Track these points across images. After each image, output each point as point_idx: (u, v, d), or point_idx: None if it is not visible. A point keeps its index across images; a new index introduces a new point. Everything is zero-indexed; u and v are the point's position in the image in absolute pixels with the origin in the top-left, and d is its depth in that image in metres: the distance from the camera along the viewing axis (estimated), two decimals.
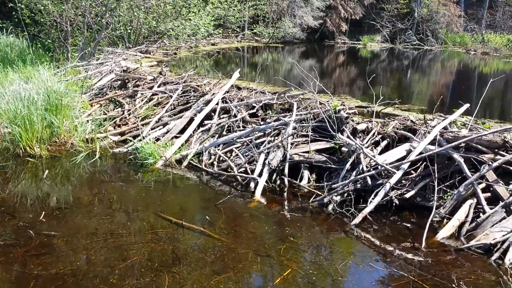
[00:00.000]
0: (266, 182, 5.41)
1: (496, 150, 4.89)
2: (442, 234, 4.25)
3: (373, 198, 4.72)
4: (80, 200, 4.92)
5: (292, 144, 5.78)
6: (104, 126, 7.36)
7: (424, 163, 5.08)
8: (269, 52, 23.57)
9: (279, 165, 5.58)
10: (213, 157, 6.22)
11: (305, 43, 28.70)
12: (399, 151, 5.10)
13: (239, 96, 7.32)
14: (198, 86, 8.28)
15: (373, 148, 5.47)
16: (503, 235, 3.98)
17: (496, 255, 3.86)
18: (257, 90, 7.48)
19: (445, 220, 4.54)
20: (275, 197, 5.24)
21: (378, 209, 4.72)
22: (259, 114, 6.91)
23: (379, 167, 4.91)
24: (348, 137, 5.47)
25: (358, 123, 5.80)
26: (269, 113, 6.91)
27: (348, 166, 5.22)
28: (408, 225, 4.60)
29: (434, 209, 4.45)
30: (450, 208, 4.58)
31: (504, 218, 4.17)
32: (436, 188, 4.60)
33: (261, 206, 4.95)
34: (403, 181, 4.97)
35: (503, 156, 4.73)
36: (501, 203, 4.30)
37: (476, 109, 5.42)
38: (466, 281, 3.59)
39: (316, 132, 5.93)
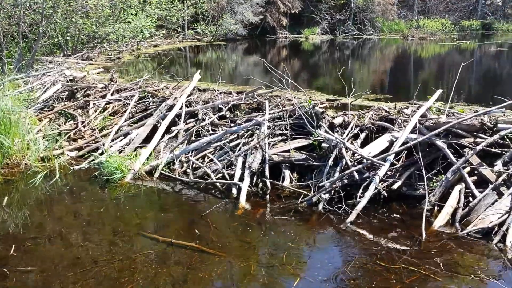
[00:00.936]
0: (248, 186, 5.17)
1: (474, 134, 4.95)
2: (438, 222, 4.22)
3: (362, 193, 4.62)
4: (50, 227, 4.44)
5: (269, 144, 5.58)
6: (58, 141, 6.79)
7: (405, 152, 5.06)
8: (212, 50, 23.23)
9: (259, 167, 5.36)
10: (185, 165, 5.88)
11: (247, 39, 28.56)
12: (381, 142, 5.04)
13: (203, 98, 6.99)
14: (155, 91, 7.86)
15: (353, 141, 5.38)
16: (499, 218, 4.00)
17: (496, 238, 3.87)
18: (220, 91, 7.19)
19: (436, 208, 4.53)
20: (259, 201, 5.01)
21: (367, 203, 4.61)
22: (227, 116, 6.63)
23: (365, 160, 4.81)
24: (326, 132, 5.33)
25: (333, 117, 5.69)
26: (237, 114, 6.65)
27: (330, 162, 5.09)
28: (400, 216, 4.53)
29: (427, 198, 4.41)
30: (439, 195, 4.56)
31: (496, 200, 4.20)
32: (425, 176, 4.57)
33: (248, 212, 4.71)
34: (388, 172, 4.91)
35: (484, 139, 4.79)
36: (491, 186, 4.33)
37: (451, 94, 5.47)
38: (475, 268, 3.56)
39: (292, 130, 5.76)
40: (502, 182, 4.39)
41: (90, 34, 16.35)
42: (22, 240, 4.15)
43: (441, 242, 3.96)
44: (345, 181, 4.85)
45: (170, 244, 4.00)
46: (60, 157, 6.32)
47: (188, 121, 6.72)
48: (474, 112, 5.23)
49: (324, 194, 4.74)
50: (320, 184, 4.89)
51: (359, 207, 4.43)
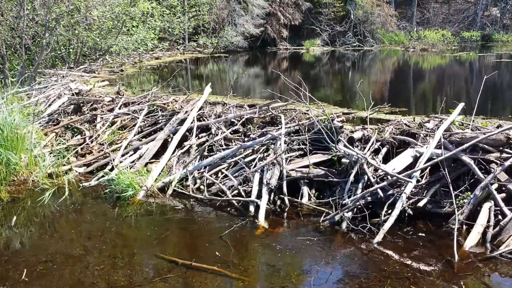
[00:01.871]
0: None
1: (500, 148, 4.79)
2: (469, 242, 4.04)
3: (387, 211, 4.44)
4: (63, 249, 4.23)
5: (286, 159, 5.41)
6: (66, 157, 6.60)
7: (429, 167, 4.89)
8: (214, 62, 23.13)
9: (276, 183, 5.18)
10: (198, 181, 5.70)
11: (248, 51, 28.53)
12: (405, 157, 4.87)
13: (215, 112, 6.83)
14: (164, 104, 7.70)
15: (374, 156, 5.21)
16: None
17: None
18: (233, 105, 7.03)
19: (464, 227, 4.35)
20: (278, 220, 4.83)
21: None
22: (240, 130, 6.47)
23: (389, 177, 4.64)
24: (345, 146, 5.17)
25: (352, 132, 5.53)
26: (250, 128, 6.49)
27: (352, 178, 4.92)
28: (426, 235, 4.35)
29: (456, 216, 4.23)
30: (467, 213, 4.39)
31: None
32: (453, 194, 4.39)
33: (268, 232, 4.52)
34: (413, 189, 4.74)
35: (510, 153, 4.63)
36: None
37: (475, 108, 5.32)
38: None
39: (309, 144, 5.59)
40: None
41: (93, 46, 16.23)
42: (33, 263, 3.93)
43: (475, 264, 3.78)
44: (368, 198, 4.68)
45: (190, 267, 3.80)
46: (68, 173, 6.13)
47: (200, 135, 6.55)
48: (497, 126, 5.09)
49: (347, 212, 4.56)
50: (343, 202, 4.70)
51: (386, 226, 4.24)
